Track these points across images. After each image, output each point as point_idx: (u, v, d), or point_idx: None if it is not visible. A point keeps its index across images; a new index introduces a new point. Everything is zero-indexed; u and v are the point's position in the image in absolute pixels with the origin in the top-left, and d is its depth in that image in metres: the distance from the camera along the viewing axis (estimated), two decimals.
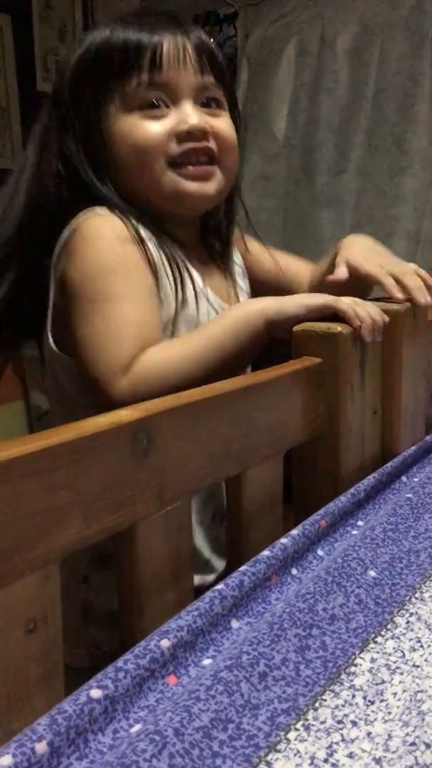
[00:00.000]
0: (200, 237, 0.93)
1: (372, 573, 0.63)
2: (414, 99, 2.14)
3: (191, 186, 0.79)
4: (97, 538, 0.55)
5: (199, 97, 0.80)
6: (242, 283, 0.98)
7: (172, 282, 0.80)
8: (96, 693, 0.47)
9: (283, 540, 0.64)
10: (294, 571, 0.64)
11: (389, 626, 0.58)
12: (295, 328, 0.79)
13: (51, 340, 0.82)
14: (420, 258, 2.16)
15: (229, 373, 0.71)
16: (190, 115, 0.77)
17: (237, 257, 1.00)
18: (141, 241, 0.77)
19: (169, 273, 0.80)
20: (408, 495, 0.77)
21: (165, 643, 0.52)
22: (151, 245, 0.79)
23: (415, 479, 0.84)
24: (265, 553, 0.62)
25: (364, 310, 0.77)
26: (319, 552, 0.67)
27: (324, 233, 2.24)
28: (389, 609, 0.59)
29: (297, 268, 1.06)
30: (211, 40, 0.82)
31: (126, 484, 0.57)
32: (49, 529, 0.51)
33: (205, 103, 0.81)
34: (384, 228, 2.18)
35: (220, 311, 0.86)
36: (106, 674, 0.48)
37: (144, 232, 0.79)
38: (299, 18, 2.30)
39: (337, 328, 0.77)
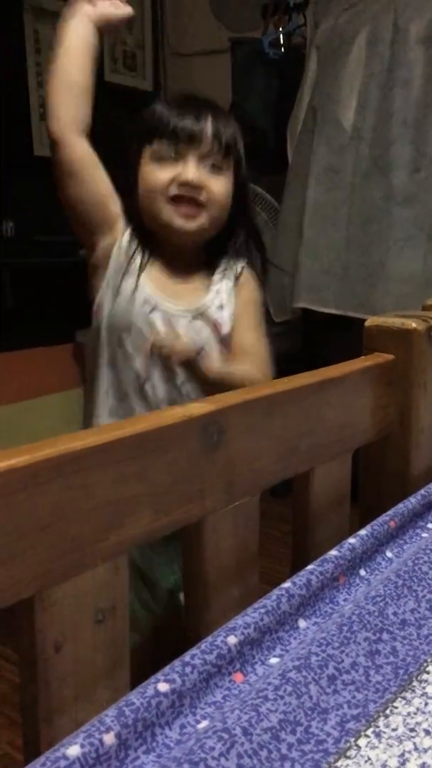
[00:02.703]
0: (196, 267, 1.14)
1: None
2: None
3: (178, 221, 1.05)
4: (166, 531, 0.55)
5: (205, 162, 1.05)
6: (216, 314, 1.10)
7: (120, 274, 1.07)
8: (163, 686, 0.46)
9: (352, 540, 0.63)
10: (362, 572, 0.63)
11: None
12: (368, 322, 0.77)
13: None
14: None
15: None
16: (190, 170, 1.04)
17: (225, 288, 1.12)
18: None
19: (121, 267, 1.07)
20: None
21: (232, 640, 0.51)
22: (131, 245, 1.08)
23: None
24: (333, 552, 0.61)
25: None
26: (388, 554, 0.66)
27: (400, 232, 2.18)
28: None
29: (242, 348, 1.13)
30: (230, 126, 1.09)
31: (196, 477, 0.56)
32: (119, 519, 0.50)
33: (211, 166, 1.06)
34: None
35: (157, 315, 1.06)
36: (173, 668, 0.48)
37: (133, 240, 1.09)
38: (371, 6, 2.25)
39: (412, 324, 0.75)
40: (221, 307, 1.10)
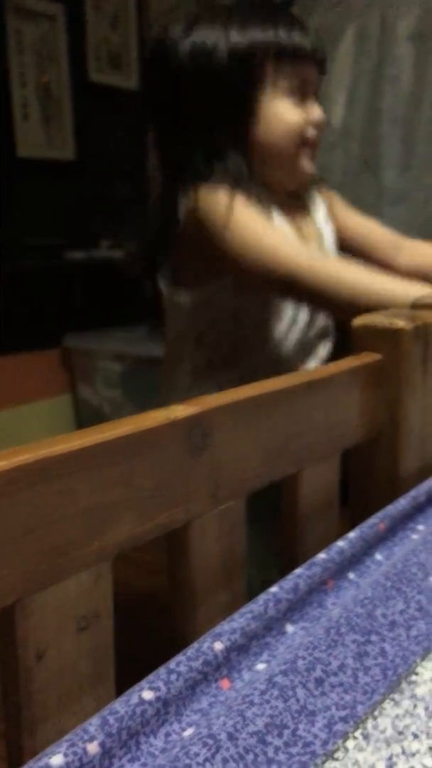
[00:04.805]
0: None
1: None
2: None
3: (309, 166, 0.96)
4: (150, 536, 0.54)
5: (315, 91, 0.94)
6: (324, 227, 1.08)
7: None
8: (148, 694, 0.46)
9: (340, 543, 0.62)
10: (351, 576, 0.62)
11: None
12: (355, 321, 0.77)
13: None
14: None
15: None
16: (318, 108, 0.93)
17: (322, 208, 1.10)
18: None
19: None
20: None
21: (218, 646, 0.50)
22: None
23: None
24: (321, 555, 0.60)
25: None
26: (378, 556, 0.65)
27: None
28: None
29: (380, 236, 1.17)
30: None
31: (180, 481, 0.56)
32: (102, 525, 0.50)
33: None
34: None
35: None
36: (158, 676, 0.47)
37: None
38: (358, 3, 2.25)
39: (399, 323, 0.74)
40: (326, 220, 1.08)
